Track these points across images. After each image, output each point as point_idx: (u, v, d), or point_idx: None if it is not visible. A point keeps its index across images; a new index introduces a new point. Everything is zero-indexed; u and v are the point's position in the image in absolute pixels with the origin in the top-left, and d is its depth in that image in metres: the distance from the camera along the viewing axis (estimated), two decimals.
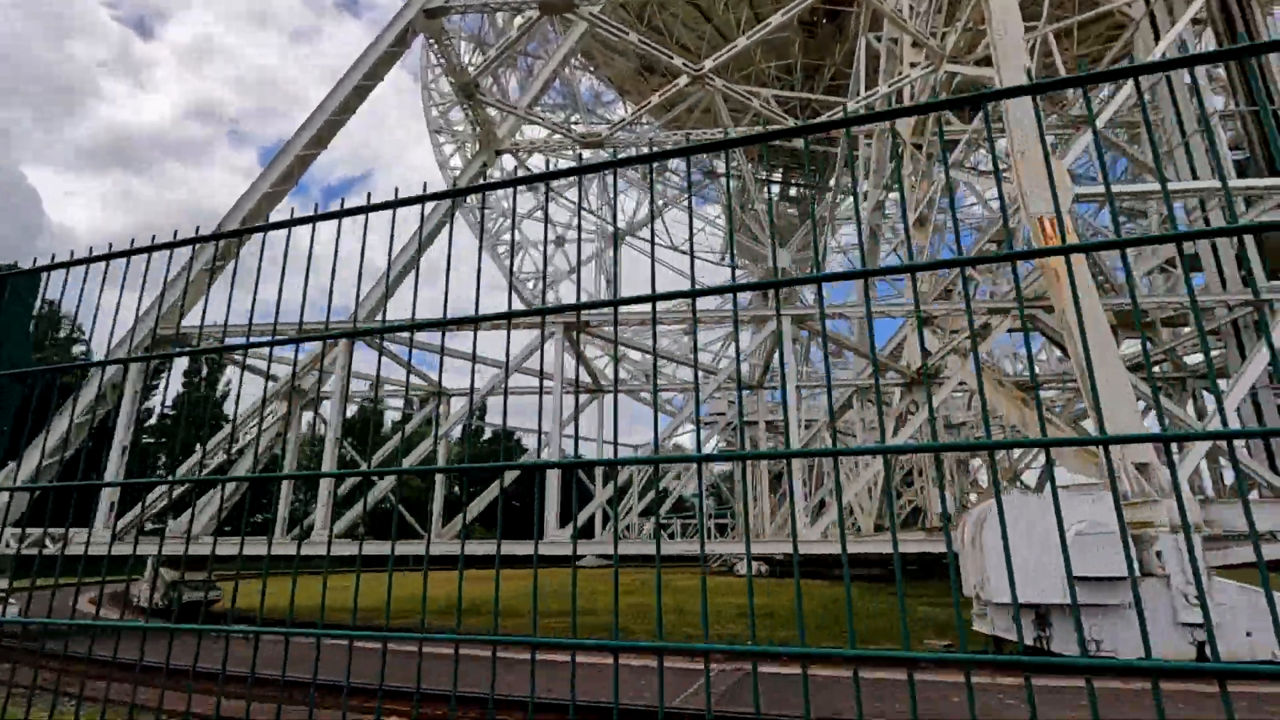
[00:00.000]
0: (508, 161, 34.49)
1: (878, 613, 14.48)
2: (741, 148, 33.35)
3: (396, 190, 1.94)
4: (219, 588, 14.59)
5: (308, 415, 16.66)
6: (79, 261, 1.89)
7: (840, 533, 1.77)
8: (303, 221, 1.96)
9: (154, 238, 1.91)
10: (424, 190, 2.09)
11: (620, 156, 2.01)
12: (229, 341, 14.01)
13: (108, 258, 1.93)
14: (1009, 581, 1.69)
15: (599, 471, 21.50)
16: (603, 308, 1.90)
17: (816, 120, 1.72)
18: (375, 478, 16.21)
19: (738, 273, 43.48)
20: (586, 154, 43.57)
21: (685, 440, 36.55)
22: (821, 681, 7.33)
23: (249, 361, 15.15)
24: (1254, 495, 12.36)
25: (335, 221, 2.07)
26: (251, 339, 11.93)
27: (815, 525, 12.45)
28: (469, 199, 35.32)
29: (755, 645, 1.84)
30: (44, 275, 1.92)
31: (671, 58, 14.20)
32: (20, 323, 1.96)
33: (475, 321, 2.00)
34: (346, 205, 3.22)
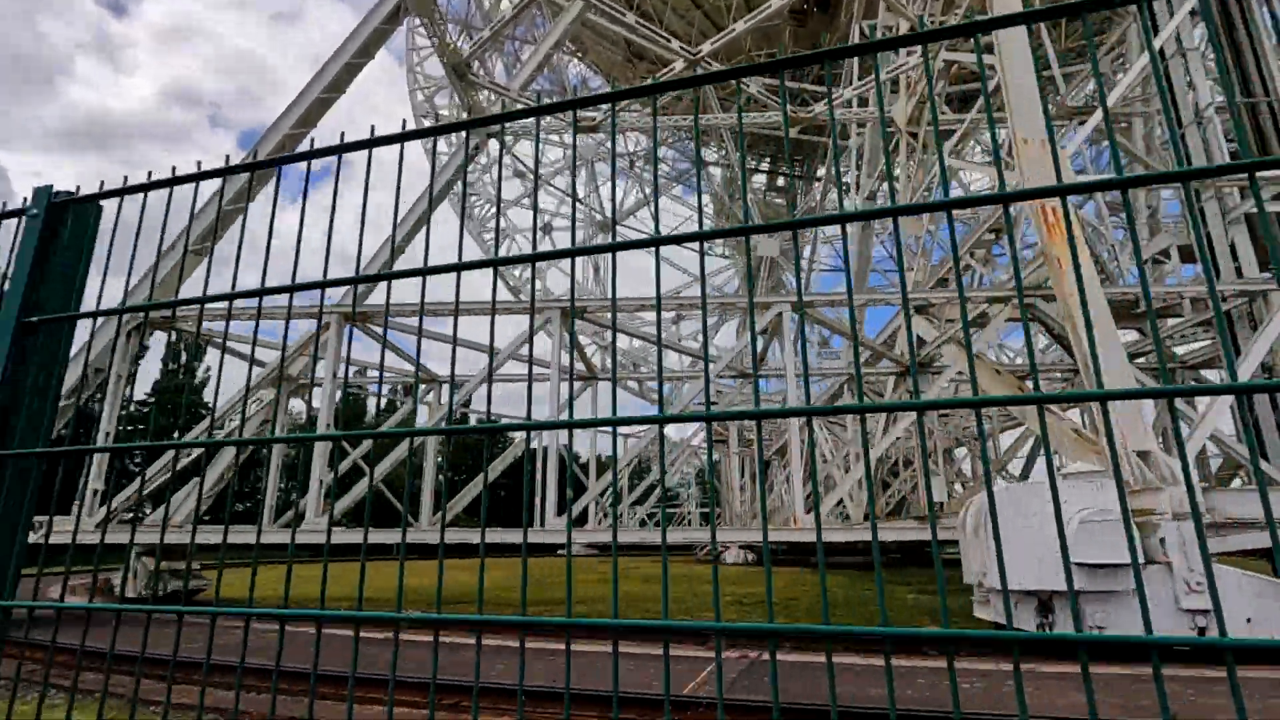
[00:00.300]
0: (493, 147, 34.03)
1: (865, 600, 14.50)
2: (729, 129, 32.99)
3: (453, 119, 1.79)
4: (205, 576, 14.33)
5: (296, 403, 16.39)
6: (154, 185, 1.71)
7: (869, 499, 1.60)
8: (330, 152, 1.78)
9: (175, 169, 1.73)
10: (465, 121, 1.93)
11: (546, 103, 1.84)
12: (213, 324, 13.64)
13: (180, 181, 1.74)
14: (1065, 571, 1.56)
15: (592, 463, 21.51)
16: (604, 252, 1.74)
17: (834, 48, 1.56)
18: (365, 463, 15.95)
19: (723, 263, 43.26)
20: (572, 139, 43.10)
21: (673, 431, 36.49)
22: (819, 666, 7.29)
23: (232, 345, 14.84)
24: (1236, 483, 12.50)
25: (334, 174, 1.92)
26: (235, 311, 11.61)
27: (810, 514, 12.40)
28: (455, 188, 34.86)
29: (774, 624, 1.63)
30: (122, 203, 1.74)
31: (669, 40, 14.01)
32: (78, 260, 1.77)
33: (458, 269, 1.84)
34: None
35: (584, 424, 1.83)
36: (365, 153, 1.85)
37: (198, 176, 1.75)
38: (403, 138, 1.96)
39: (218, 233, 9.36)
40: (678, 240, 1.91)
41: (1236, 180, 11.24)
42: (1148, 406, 12.71)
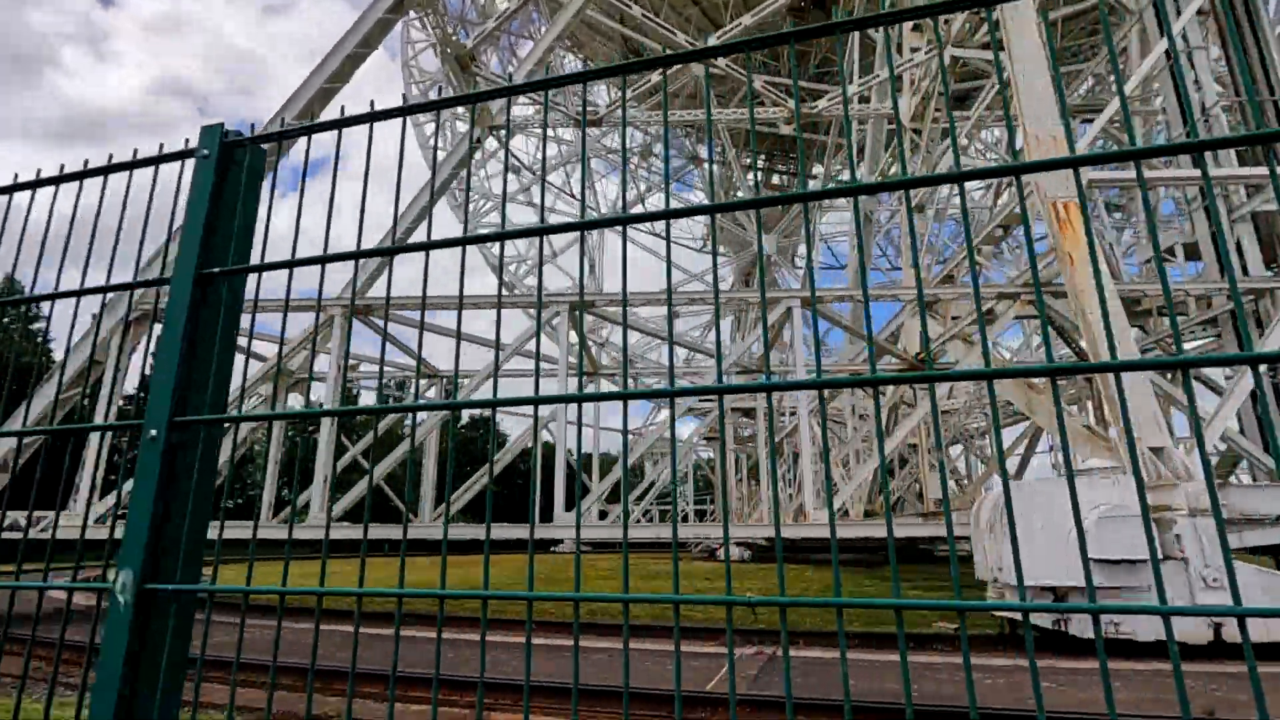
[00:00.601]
0: (491, 143, 33.86)
1: (868, 596, 14.48)
2: (727, 125, 32.88)
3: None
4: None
5: (294, 398, 16.23)
6: (324, 126, 1.60)
7: (942, 471, 1.49)
8: (356, 121, 1.67)
9: (344, 109, 1.63)
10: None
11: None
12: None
13: (350, 123, 1.64)
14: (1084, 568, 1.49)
15: (595, 462, 21.66)
16: (571, 230, 1.63)
17: (859, 18, 1.49)
18: (364, 460, 15.79)
19: (719, 259, 43.28)
20: (568, 135, 42.44)
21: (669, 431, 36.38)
22: (830, 662, 7.26)
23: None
24: (1246, 479, 12.55)
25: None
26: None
27: (819, 510, 12.36)
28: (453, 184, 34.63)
29: (840, 598, 1.50)
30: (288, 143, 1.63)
31: (674, 34, 13.94)
32: (254, 206, 1.63)
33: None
34: (366, 159, 2.96)
35: (583, 398, 1.69)
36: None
37: (366, 118, 1.66)
38: (439, 105, 1.86)
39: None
40: (690, 212, 1.78)
41: (1245, 178, 11.29)
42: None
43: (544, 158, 1.49)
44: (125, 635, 1.27)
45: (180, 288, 1.55)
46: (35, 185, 1.94)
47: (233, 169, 1.63)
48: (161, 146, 1.80)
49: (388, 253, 1.56)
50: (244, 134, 1.65)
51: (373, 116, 1.65)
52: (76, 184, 1.91)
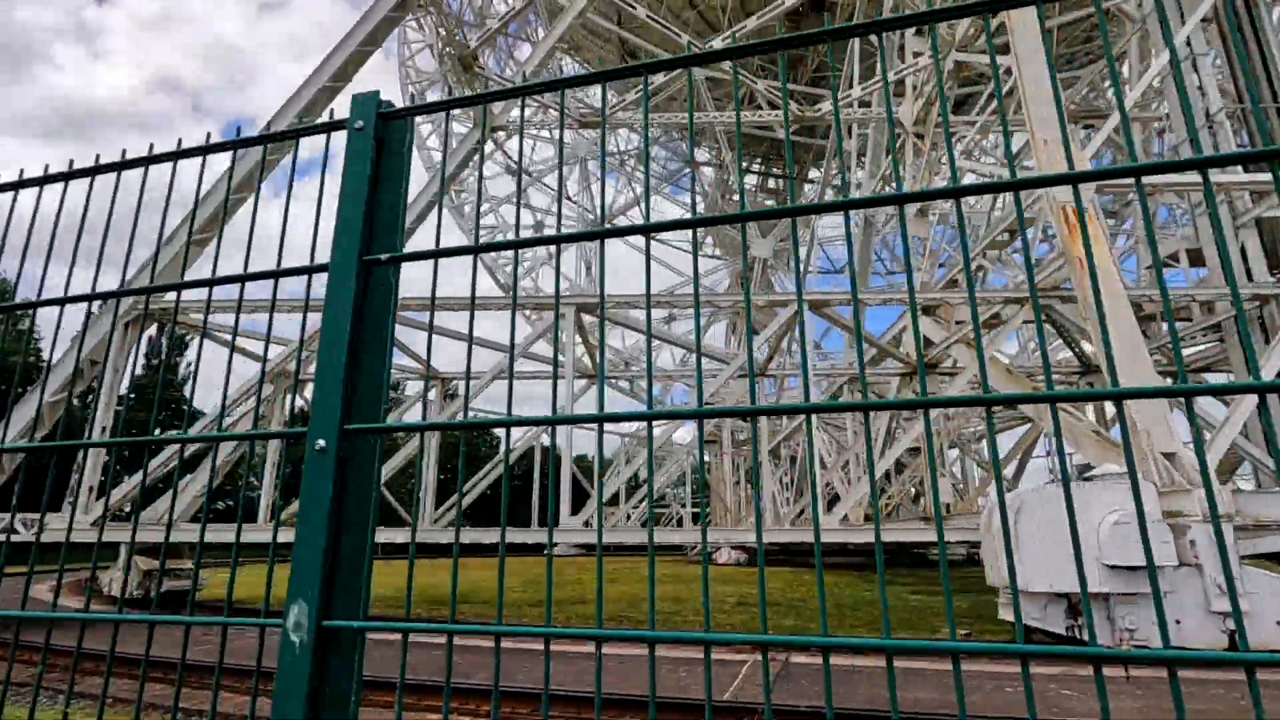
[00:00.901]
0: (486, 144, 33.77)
1: (869, 601, 14.46)
2: (722, 127, 32.90)
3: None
4: (201, 575, 13.98)
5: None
6: (489, 96, 1.52)
7: (934, 490, 1.44)
8: (524, 92, 1.59)
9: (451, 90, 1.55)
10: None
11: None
12: (209, 317, 13.28)
13: (495, 98, 1.58)
14: (1081, 576, 1.43)
15: (596, 466, 21.49)
16: (590, 240, 1.62)
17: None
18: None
19: (715, 263, 43.26)
20: (567, 136, 42.47)
21: (672, 434, 36.32)
22: (843, 669, 7.19)
23: (218, 333, 14.48)
24: (1250, 486, 12.57)
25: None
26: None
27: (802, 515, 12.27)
28: (452, 191, 34.53)
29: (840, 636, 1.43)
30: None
31: (679, 35, 13.90)
32: (406, 186, 1.50)
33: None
34: (444, 159, 2.85)
35: (570, 420, 1.61)
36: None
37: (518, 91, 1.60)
38: (485, 99, 1.80)
39: (227, 215, 9.07)
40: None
41: (1250, 184, 11.32)
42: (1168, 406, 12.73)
43: (519, 170, 1.42)
44: (306, 672, 1.14)
45: (343, 277, 1.40)
46: (177, 157, 1.79)
47: (387, 145, 1.50)
48: (238, 129, 1.71)
49: (593, 236, 1.49)
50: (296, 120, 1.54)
51: (541, 90, 1.59)
52: (169, 164, 1.81)
